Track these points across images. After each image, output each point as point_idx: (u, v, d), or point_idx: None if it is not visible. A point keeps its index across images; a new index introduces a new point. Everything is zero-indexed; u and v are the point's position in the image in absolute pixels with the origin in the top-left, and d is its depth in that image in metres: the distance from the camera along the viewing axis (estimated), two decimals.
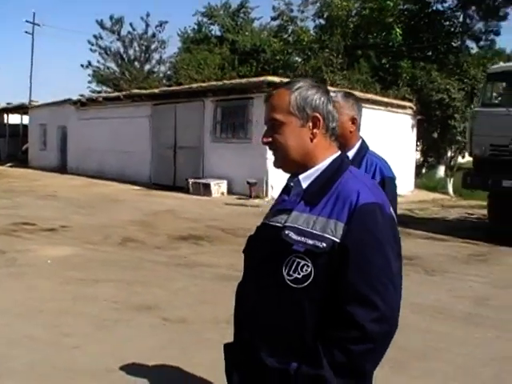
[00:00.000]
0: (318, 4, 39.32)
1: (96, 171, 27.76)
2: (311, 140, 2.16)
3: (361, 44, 37.09)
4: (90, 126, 28.95)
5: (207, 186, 21.08)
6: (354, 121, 3.56)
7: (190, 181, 21.76)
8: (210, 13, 44.70)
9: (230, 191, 21.43)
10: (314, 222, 2.03)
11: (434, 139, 27.48)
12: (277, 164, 2.25)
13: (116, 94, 29.77)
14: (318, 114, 2.16)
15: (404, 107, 25.73)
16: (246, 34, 44.31)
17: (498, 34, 37.22)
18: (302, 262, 2.00)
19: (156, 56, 46.50)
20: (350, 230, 1.97)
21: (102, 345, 5.86)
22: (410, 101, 26.67)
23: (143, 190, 22.53)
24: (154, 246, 11.33)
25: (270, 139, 2.19)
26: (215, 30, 46.51)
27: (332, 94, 3.54)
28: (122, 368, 5.23)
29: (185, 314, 6.98)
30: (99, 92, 41.57)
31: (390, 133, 22.95)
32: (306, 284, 1.99)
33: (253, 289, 2.17)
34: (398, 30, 34.20)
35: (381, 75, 34.90)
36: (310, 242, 2.00)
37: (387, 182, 3.40)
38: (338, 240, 1.98)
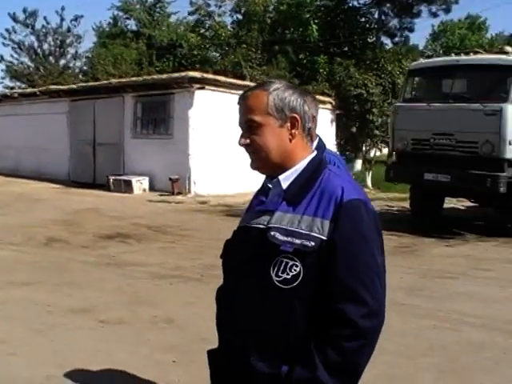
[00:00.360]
0: None
1: (12, 169, 26.78)
2: (290, 140, 2.14)
3: (278, 39, 37.37)
4: (5, 123, 27.95)
5: (129, 183, 20.73)
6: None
7: (111, 178, 21.32)
8: (126, 7, 44.09)
9: (151, 188, 21.13)
10: (299, 222, 2.02)
11: (353, 133, 27.91)
12: (254, 165, 2.20)
13: (32, 89, 28.86)
14: (296, 115, 2.14)
15: (323, 102, 25.98)
16: (163, 28, 43.95)
17: (411, 30, 38.27)
18: (291, 262, 1.98)
19: (71, 51, 45.30)
20: (336, 226, 1.97)
21: (40, 351, 5.64)
22: (329, 96, 27.02)
23: (62, 188, 21.92)
24: (80, 246, 11.04)
25: (248, 141, 2.15)
26: (131, 24, 45.96)
27: None
28: (64, 374, 5.05)
29: (122, 315, 6.81)
30: (12, 88, 40.22)
31: None
32: (295, 284, 1.97)
33: (237, 292, 2.12)
34: (314, 26, 34.57)
35: (298, 70, 35.29)
36: (298, 241, 1.98)
37: None
38: (325, 238, 1.97)
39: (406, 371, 5.46)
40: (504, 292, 8.52)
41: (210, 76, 21.94)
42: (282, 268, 1.98)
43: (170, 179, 19.94)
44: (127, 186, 20.64)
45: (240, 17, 40.87)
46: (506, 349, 6.13)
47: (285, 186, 2.12)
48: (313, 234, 1.98)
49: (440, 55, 42.57)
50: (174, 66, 38.98)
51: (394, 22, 38.41)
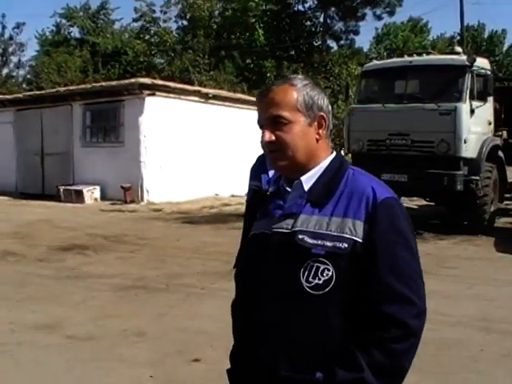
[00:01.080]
0: (180, 5, 39.05)
1: None
2: (317, 140, 2.03)
3: (224, 44, 37.30)
4: None
5: (79, 193, 20.32)
6: None
7: (61, 188, 20.90)
8: (69, 14, 43.42)
9: (103, 197, 20.77)
10: (328, 224, 1.91)
11: None
12: (279, 165, 2.06)
13: None
14: (323, 114, 2.04)
15: None
16: (107, 35, 43.39)
17: (356, 33, 38.68)
18: (322, 266, 1.87)
19: (14, 59, 44.41)
20: (373, 227, 1.88)
21: (6, 372, 5.36)
22: None
23: (10, 200, 21.37)
24: (36, 259, 10.68)
25: (274, 138, 2.00)
26: (75, 31, 45.27)
27: None
28: None
29: (91, 330, 6.56)
30: None
31: (259, 132, 23.08)
32: (327, 289, 1.86)
33: (262, 302, 1.97)
34: (260, 30, 34.61)
35: (246, 75, 35.29)
36: (329, 244, 1.88)
37: None
38: (359, 239, 1.87)
39: None
40: (471, 289, 8.56)
41: (160, 82, 21.73)
42: (312, 273, 1.88)
43: (122, 187, 19.65)
44: (78, 196, 20.24)
45: (185, 22, 40.69)
46: (482, 345, 6.13)
47: (307, 187, 2.01)
48: (344, 235, 1.88)
49: (384, 57, 43.20)
50: (120, 73, 38.56)
51: (340, 26, 38.82)
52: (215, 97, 22.53)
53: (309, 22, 38.81)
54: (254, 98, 25.35)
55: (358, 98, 14.87)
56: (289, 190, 2.06)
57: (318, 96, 2.03)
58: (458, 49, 15.35)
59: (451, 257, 10.95)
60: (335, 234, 1.89)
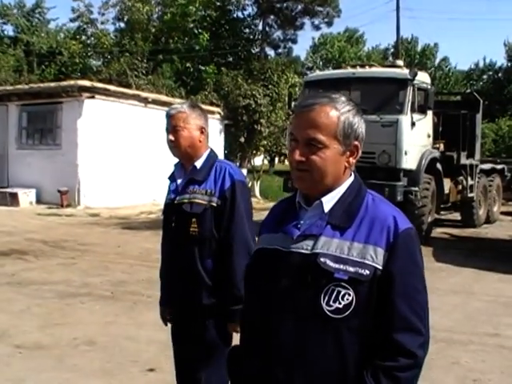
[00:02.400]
0: (118, 7, 38.60)
1: None
2: (345, 168, 2.02)
3: (163, 48, 37.06)
4: None
5: (14, 196, 19.85)
6: (203, 130, 3.51)
7: None
8: (3, 11, 42.34)
9: (39, 200, 20.38)
10: (349, 248, 1.91)
11: (241, 143, 28.02)
12: (303, 185, 2.04)
13: None
14: (358, 143, 2.02)
15: (212, 112, 26.00)
16: (42, 35, 42.50)
17: (295, 42, 39.06)
18: (343, 291, 1.87)
19: None
20: (393, 257, 1.90)
21: None
22: (218, 106, 27.04)
23: None
24: None
25: (304, 159, 1.96)
26: (8, 29, 44.15)
27: (177, 105, 3.49)
28: None
29: (39, 339, 6.41)
30: None
31: None
32: (346, 313, 1.87)
33: (277, 322, 1.95)
34: (205, 35, 34.55)
35: (184, 80, 35.14)
36: (352, 269, 1.88)
37: (237, 185, 3.38)
38: (379, 267, 1.89)
39: None
40: None
41: (100, 85, 21.43)
42: (333, 297, 1.88)
43: (59, 191, 19.28)
44: (13, 199, 19.76)
45: (123, 25, 40.25)
46: (432, 354, 6.20)
47: (327, 208, 1.99)
48: (366, 261, 1.89)
49: (321, 67, 43.77)
50: (55, 74, 37.85)
51: (278, 34, 39.14)
52: (154, 101, 22.39)
53: (247, 30, 39.06)
54: None
55: None
56: (306, 208, 2.04)
57: (357, 125, 2.00)
58: (400, 62, 15.70)
59: None
60: (357, 259, 1.89)
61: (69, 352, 6.06)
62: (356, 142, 2.01)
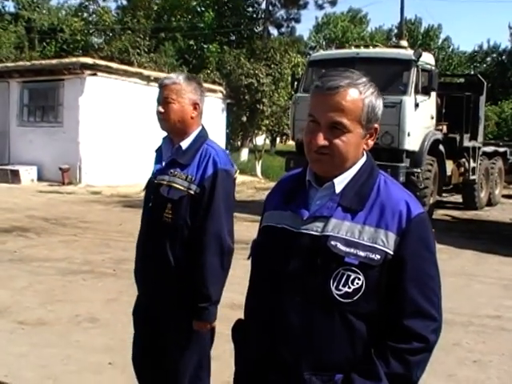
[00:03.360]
0: None
1: None
2: (364, 150, 2.01)
3: (165, 27, 36.85)
4: None
5: (16, 173, 19.85)
6: (196, 106, 3.30)
7: None
8: None
9: (40, 178, 20.37)
10: (360, 232, 1.89)
11: (243, 123, 27.96)
12: (322, 168, 1.98)
13: None
14: (377, 126, 2.00)
15: (214, 91, 25.93)
16: (43, 12, 42.20)
17: (298, 21, 38.85)
18: (353, 275, 1.86)
19: None
20: (405, 242, 1.88)
21: None
22: (220, 85, 26.96)
23: None
24: None
25: (327, 143, 1.91)
26: (9, 6, 43.84)
27: (173, 75, 3.30)
28: None
29: (41, 316, 6.42)
30: None
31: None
32: (355, 298, 1.86)
33: (285, 303, 1.93)
34: (211, 13, 34.31)
35: (186, 58, 34.99)
36: (362, 253, 1.87)
37: (220, 175, 3.17)
38: (390, 252, 1.87)
39: None
40: None
41: (102, 62, 21.32)
42: (343, 281, 1.86)
43: (61, 169, 19.28)
44: (14, 176, 19.76)
45: (125, 2, 40.03)
46: None
47: (338, 189, 1.96)
48: (377, 246, 1.87)
49: (323, 47, 43.57)
50: (56, 51, 37.65)
51: (281, 13, 38.90)
52: (157, 79, 22.24)
53: (251, 8, 38.81)
54: None
55: (303, 86, 14.92)
56: (317, 187, 2.01)
57: (378, 107, 1.97)
58: (404, 43, 15.64)
59: None
60: (368, 243, 1.87)
61: (71, 328, 6.09)
62: (376, 125, 1.99)
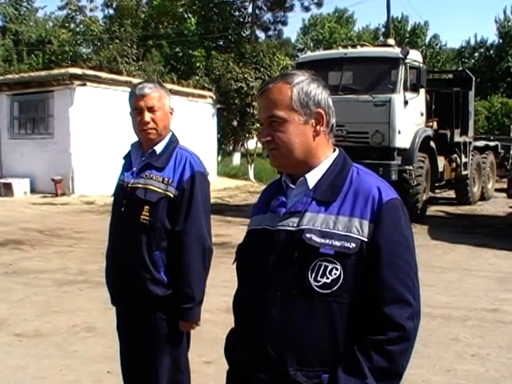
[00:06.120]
0: None
1: None
2: (314, 138, 2.02)
3: (152, 34, 36.87)
4: None
5: (8, 186, 19.78)
6: (172, 111, 3.37)
7: None
8: None
9: (33, 190, 20.32)
10: (335, 222, 1.92)
11: (234, 127, 27.97)
12: (276, 163, 2.08)
13: None
14: (321, 110, 2.01)
15: (204, 96, 25.96)
16: (31, 24, 42.19)
17: (285, 24, 38.92)
18: (330, 266, 1.88)
19: None
20: (378, 227, 1.90)
21: None
22: (210, 90, 26.97)
23: None
24: None
25: (269, 138, 2.01)
26: None
27: (148, 84, 3.29)
28: None
29: (39, 327, 6.42)
30: None
31: (191, 122, 22.88)
32: (335, 288, 1.87)
33: (266, 301, 1.96)
34: (192, 19, 34.37)
35: (173, 64, 35.01)
36: (337, 243, 1.88)
37: (197, 177, 3.24)
38: (365, 239, 1.89)
39: None
40: None
41: (91, 72, 21.33)
42: (321, 272, 1.88)
43: (53, 180, 19.25)
44: (7, 189, 19.71)
45: (112, 11, 40.03)
46: (430, 330, 6.31)
47: (311, 184, 2.00)
48: (352, 235, 1.89)
49: (311, 48, 43.65)
50: (45, 63, 37.66)
51: (268, 16, 38.98)
52: None
53: (237, 12, 38.88)
54: (184, 89, 25.29)
55: None
56: (292, 186, 2.05)
57: (314, 91, 2.00)
58: (391, 41, 15.69)
59: None
60: (343, 233, 1.89)
61: (69, 339, 6.09)
62: (319, 110, 2.01)
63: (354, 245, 1.88)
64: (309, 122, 2.00)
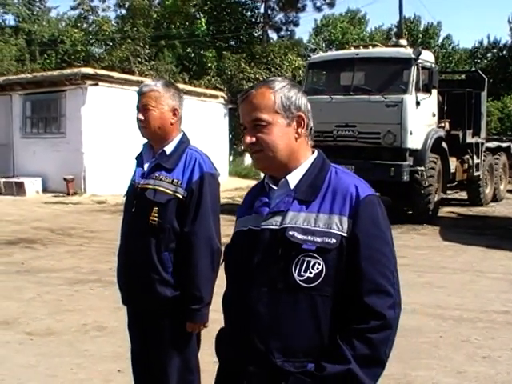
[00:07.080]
0: None
1: None
2: (296, 140, 2.13)
3: (164, 34, 36.93)
4: None
5: (21, 185, 19.90)
6: (176, 112, 3.36)
7: (1, 180, 20.42)
8: (4, 1, 42.14)
9: (45, 189, 20.43)
10: (316, 220, 2.03)
11: None
12: (260, 165, 2.18)
13: None
14: (302, 114, 2.13)
15: (216, 96, 26.00)
16: (44, 24, 42.37)
17: (297, 24, 38.90)
18: (313, 261, 1.99)
19: None
20: (356, 222, 2.01)
21: None
22: (222, 90, 27.00)
23: None
24: None
25: (254, 140, 2.10)
26: (9, 19, 44.04)
27: (151, 82, 3.37)
28: None
29: (50, 326, 6.46)
30: None
31: (203, 122, 22.97)
32: (318, 282, 1.98)
33: (254, 297, 2.06)
34: (203, 19, 34.40)
35: (185, 64, 35.06)
36: (319, 239, 2.00)
37: (206, 178, 3.25)
38: (345, 234, 2.00)
39: None
40: (422, 278, 8.79)
41: (103, 72, 21.41)
42: (304, 267, 1.99)
43: (65, 179, 19.34)
44: (19, 188, 19.82)
45: (124, 11, 40.13)
46: (441, 332, 6.32)
47: (293, 185, 2.12)
48: (332, 231, 2.00)
49: (323, 49, 43.59)
50: (57, 63, 37.76)
51: (280, 16, 38.97)
52: None
53: (249, 13, 38.90)
54: (195, 89, 25.34)
55: (304, 89, 14.90)
56: (274, 187, 2.16)
57: (295, 96, 2.12)
58: (403, 42, 15.64)
59: (399, 246, 10.96)
60: (323, 229, 2.00)
61: (80, 338, 6.12)
62: (300, 113, 2.12)
63: (334, 240, 1.99)
64: (291, 124, 2.12)
